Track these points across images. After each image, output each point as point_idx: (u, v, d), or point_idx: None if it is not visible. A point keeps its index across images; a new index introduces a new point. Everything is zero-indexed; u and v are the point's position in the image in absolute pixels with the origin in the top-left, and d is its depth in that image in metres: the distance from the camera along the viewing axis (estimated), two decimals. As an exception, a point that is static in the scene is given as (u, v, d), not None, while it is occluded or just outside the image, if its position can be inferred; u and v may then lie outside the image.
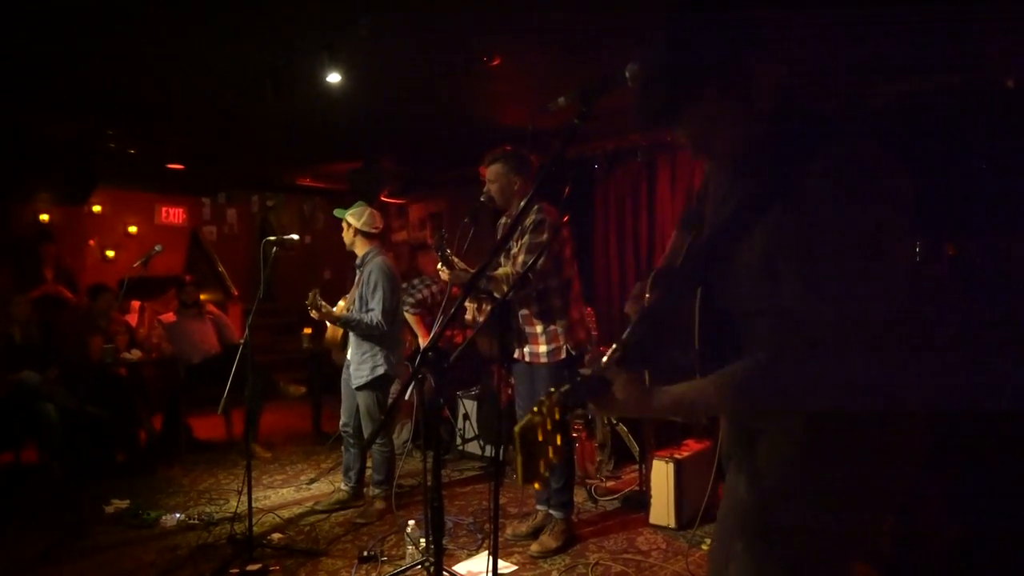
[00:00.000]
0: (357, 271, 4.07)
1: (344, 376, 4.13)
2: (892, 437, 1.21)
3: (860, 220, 1.11)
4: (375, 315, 3.84)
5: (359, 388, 3.94)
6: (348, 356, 4.04)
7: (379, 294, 3.84)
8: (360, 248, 4.03)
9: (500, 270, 3.32)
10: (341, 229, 4.09)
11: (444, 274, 3.37)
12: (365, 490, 4.16)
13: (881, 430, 1.20)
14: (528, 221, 3.30)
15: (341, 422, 4.19)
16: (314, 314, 3.84)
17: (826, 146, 1.15)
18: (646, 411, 1.28)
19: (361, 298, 3.93)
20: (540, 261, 3.17)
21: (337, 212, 4.10)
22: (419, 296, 5.38)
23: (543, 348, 3.41)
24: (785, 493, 1.24)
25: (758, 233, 1.21)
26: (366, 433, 4.01)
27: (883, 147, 1.16)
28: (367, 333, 3.88)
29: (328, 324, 4.02)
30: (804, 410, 1.21)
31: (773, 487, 1.26)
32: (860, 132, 1.17)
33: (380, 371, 3.91)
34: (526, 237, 3.30)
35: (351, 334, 3.99)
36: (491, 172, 3.41)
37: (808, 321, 1.13)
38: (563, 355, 3.39)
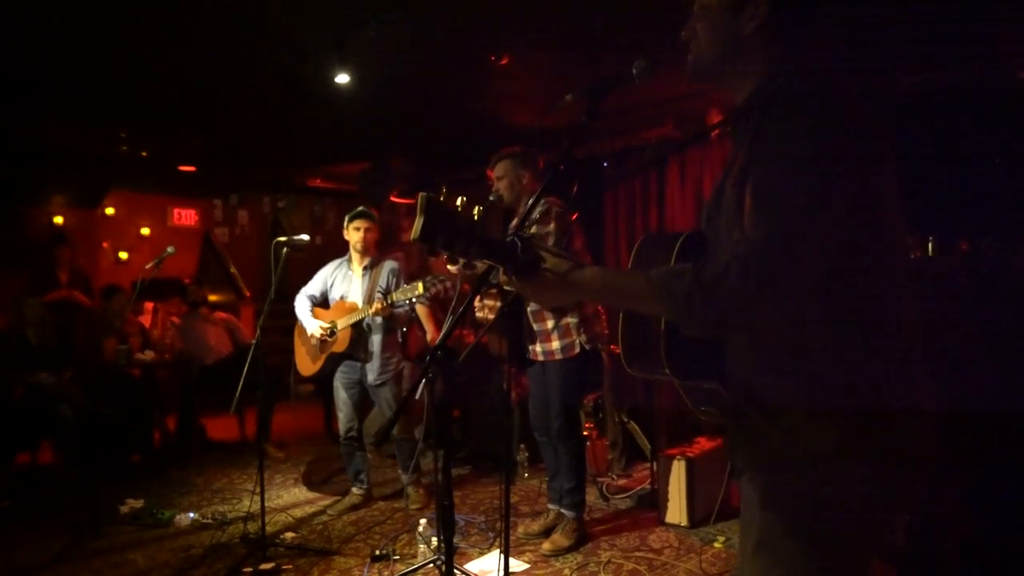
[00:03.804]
0: (362, 272, 4.14)
1: (346, 380, 4.15)
2: (905, 438, 1.20)
3: (808, 150, 1.13)
4: (405, 309, 4.14)
5: (383, 384, 4.10)
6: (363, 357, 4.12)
7: None
8: (374, 250, 4.21)
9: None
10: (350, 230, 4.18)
11: (454, 268, 3.39)
12: (407, 479, 4.24)
13: (893, 431, 1.19)
14: (535, 214, 3.29)
15: (344, 428, 4.17)
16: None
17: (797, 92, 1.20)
18: (567, 289, 1.29)
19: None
20: None
21: (361, 215, 4.14)
22: (433, 291, 5.42)
23: (556, 344, 3.40)
24: (797, 494, 1.23)
25: (732, 180, 1.24)
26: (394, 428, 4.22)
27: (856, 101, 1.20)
28: (401, 323, 4.18)
29: (338, 331, 4.09)
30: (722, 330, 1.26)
31: (785, 488, 1.25)
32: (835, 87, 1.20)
33: (403, 364, 4.30)
34: (533, 228, 3.30)
35: (374, 336, 4.07)
36: (498, 170, 3.41)
37: (754, 243, 1.14)
38: (577, 350, 3.38)
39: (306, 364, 4.26)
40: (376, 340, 4.08)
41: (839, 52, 1.30)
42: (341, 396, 4.17)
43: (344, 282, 4.17)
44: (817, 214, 1.12)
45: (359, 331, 4.05)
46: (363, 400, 4.23)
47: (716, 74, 1.36)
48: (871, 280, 1.19)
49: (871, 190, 1.17)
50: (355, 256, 4.17)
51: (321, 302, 4.24)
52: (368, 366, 4.09)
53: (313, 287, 4.26)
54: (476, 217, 1.24)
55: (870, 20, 3.16)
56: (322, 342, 4.10)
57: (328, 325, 4.05)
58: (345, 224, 4.16)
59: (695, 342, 1.33)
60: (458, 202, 1.23)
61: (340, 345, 4.04)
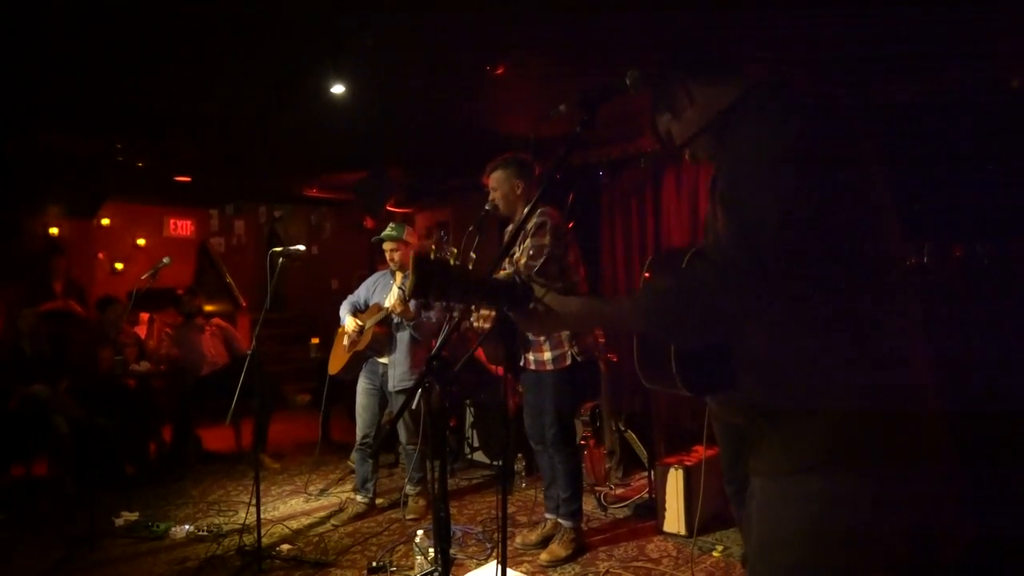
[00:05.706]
0: (402, 278, 4.24)
1: (368, 386, 4.27)
2: (901, 443, 1.19)
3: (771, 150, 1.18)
4: (430, 319, 4.19)
5: (402, 392, 4.12)
6: (387, 362, 4.22)
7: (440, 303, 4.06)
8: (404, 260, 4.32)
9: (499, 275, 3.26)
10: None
11: None
12: (407, 489, 4.25)
13: (888, 435, 1.18)
14: (530, 225, 3.28)
15: (361, 435, 4.26)
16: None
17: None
18: (556, 318, 1.36)
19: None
20: (541, 263, 3.17)
21: (384, 239, 4.22)
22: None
23: (547, 355, 3.39)
24: (786, 499, 1.22)
25: (712, 195, 1.30)
26: (403, 435, 4.28)
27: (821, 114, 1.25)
28: (425, 335, 4.18)
29: (364, 329, 4.23)
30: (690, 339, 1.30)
31: (780, 496, 1.24)
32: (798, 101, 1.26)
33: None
34: (528, 240, 3.28)
35: (401, 339, 4.16)
36: (493, 180, 3.41)
37: (724, 246, 1.19)
38: (568, 361, 3.36)
39: (335, 363, 4.41)
40: (402, 346, 4.15)
41: (822, 63, 1.32)
42: (362, 402, 4.30)
43: (384, 290, 4.35)
44: (778, 214, 1.14)
45: (384, 332, 4.18)
46: (383, 407, 4.32)
47: (702, 135, 1.40)
48: (856, 284, 1.20)
49: (848, 198, 1.19)
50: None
51: (364, 308, 4.46)
52: (391, 371, 4.18)
53: (357, 294, 4.50)
54: (470, 266, 1.33)
55: (863, 23, 3.17)
56: (352, 340, 4.28)
57: (361, 323, 4.25)
58: None
59: (705, 354, 1.33)
60: (450, 253, 1.30)
61: (363, 343, 4.19)
